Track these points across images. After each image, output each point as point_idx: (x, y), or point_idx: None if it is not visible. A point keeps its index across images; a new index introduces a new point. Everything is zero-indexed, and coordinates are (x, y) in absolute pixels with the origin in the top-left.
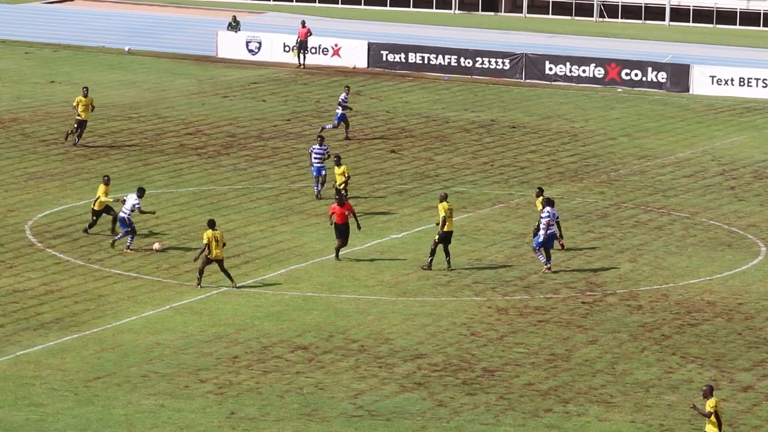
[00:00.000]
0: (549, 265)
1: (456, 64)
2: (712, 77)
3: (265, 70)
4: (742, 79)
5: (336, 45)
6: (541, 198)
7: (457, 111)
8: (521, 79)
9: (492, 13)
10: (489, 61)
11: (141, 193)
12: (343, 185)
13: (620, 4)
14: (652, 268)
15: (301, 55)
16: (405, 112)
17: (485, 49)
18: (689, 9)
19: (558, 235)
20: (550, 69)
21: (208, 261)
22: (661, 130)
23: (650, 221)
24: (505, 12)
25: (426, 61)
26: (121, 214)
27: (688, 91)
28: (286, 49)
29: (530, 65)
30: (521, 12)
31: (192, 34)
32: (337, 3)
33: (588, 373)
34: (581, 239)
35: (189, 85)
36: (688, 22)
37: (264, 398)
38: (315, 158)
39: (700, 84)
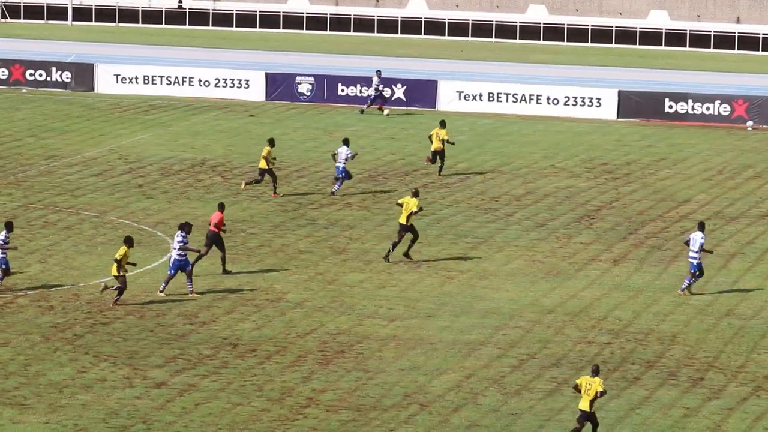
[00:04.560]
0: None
1: None
2: (117, 76)
3: None
4: (146, 77)
5: None
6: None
7: None
8: None
9: None
10: None
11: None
12: None
13: (22, 4)
14: (62, 269)
15: None
16: None
17: None
18: (92, 8)
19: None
20: None
21: None
22: (68, 129)
23: (59, 221)
24: None
25: None
26: None
27: (93, 90)
28: None
29: None
30: None
31: None
32: None
33: (1, 376)
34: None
35: None
36: (91, 21)
37: None
38: None
39: (104, 83)
